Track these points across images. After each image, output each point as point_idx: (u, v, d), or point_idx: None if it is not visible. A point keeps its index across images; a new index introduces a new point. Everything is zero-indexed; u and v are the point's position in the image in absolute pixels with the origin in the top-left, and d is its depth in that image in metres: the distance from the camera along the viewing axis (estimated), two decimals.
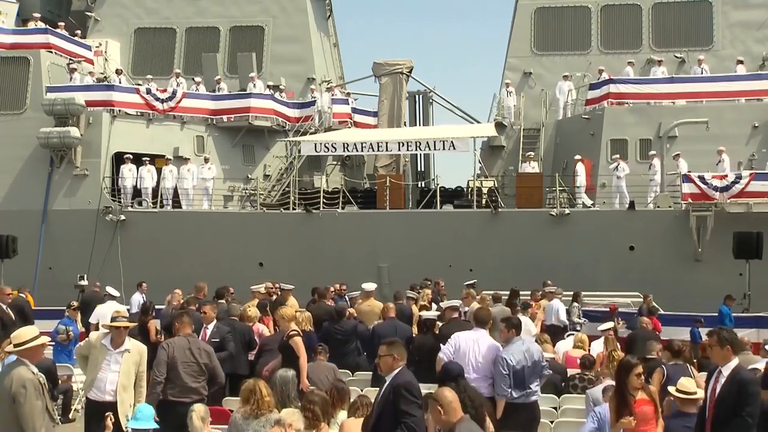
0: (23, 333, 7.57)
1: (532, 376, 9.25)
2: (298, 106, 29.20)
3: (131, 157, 25.81)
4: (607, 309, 18.83)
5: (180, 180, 26.07)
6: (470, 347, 9.61)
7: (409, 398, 7.00)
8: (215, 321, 11.76)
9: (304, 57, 30.18)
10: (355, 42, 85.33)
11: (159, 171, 26.17)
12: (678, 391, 8.11)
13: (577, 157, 24.86)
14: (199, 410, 8.02)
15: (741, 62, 26.49)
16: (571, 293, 18.68)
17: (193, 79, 28.72)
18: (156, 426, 7.54)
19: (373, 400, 7.74)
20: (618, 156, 24.64)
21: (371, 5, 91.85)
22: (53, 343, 14.38)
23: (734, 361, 7.36)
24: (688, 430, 7.72)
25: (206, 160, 26.50)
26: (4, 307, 15.31)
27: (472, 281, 18.87)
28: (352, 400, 8.32)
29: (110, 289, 16.93)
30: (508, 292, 17.55)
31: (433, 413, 6.15)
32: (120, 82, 28.01)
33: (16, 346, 7.46)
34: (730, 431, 7.17)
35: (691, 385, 8.13)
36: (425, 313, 12.94)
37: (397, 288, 17.35)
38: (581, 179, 24.66)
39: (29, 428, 7.17)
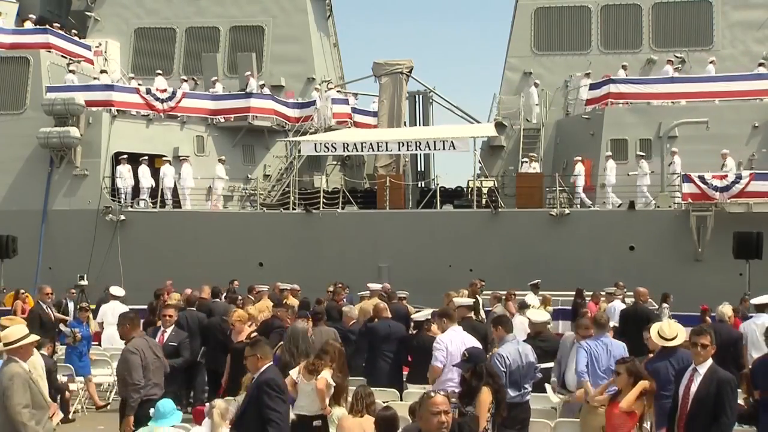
0: (12, 332, 7.58)
1: (526, 377, 9.28)
2: (298, 106, 29.20)
3: (126, 157, 25.81)
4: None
5: (179, 180, 26.05)
6: (458, 348, 9.70)
7: (273, 394, 7.21)
8: (174, 326, 11.62)
9: (304, 57, 30.18)
10: (355, 42, 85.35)
11: (158, 171, 26.17)
12: (659, 335, 8.65)
13: (578, 157, 24.86)
14: (220, 406, 8.21)
15: (762, 64, 26.16)
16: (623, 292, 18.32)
17: (181, 78, 28.87)
18: (179, 415, 7.77)
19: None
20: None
21: (371, 5, 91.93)
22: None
23: (709, 361, 7.53)
24: (671, 367, 8.32)
25: (222, 161, 26.59)
26: (44, 306, 15.13)
27: (536, 281, 18.64)
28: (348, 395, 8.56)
29: (114, 289, 16.82)
30: (504, 292, 17.51)
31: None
32: (99, 80, 27.81)
33: (5, 345, 7.47)
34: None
35: (671, 330, 8.65)
36: (417, 315, 12.96)
37: (397, 288, 17.45)
38: (581, 179, 24.66)
39: (16, 420, 7.20)
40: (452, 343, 9.79)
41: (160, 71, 28.83)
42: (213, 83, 28.62)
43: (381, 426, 6.71)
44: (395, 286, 18.69)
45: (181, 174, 26.08)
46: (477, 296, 17.03)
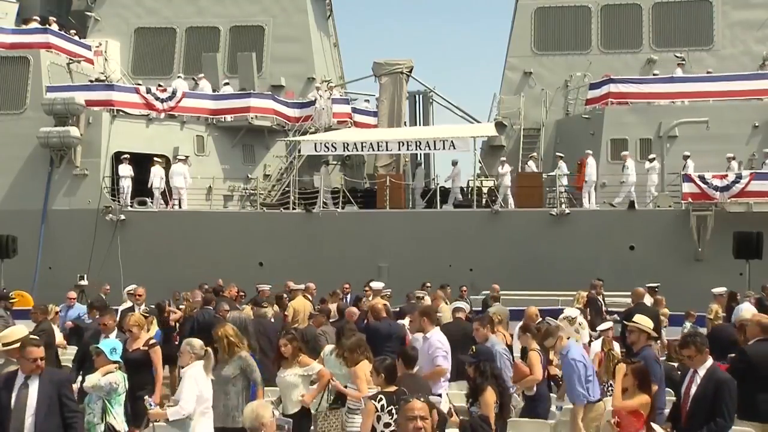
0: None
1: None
2: (298, 106, 29.19)
3: (128, 157, 25.80)
4: None
5: (176, 179, 26.02)
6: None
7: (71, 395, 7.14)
8: (116, 331, 10.70)
9: (304, 57, 30.18)
10: (355, 42, 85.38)
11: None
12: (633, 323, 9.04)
13: (588, 151, 24.82)
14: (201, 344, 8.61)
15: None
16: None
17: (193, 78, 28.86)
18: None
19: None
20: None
21: (371, 5, 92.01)
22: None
23: (709, 361, 7.55)
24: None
25: (326, 164, 26.76)
26: (138, 309, 13.78)
27: (655, 284, 18.00)
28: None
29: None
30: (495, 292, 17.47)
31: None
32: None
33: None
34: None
35: (646, 320, 9.12)
36: None
37: (397, 288, 17.48)
38: (592, 176, 24.52)
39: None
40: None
41: (161, 84, 28.39)
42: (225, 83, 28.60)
43: (386, 375, 7.50)
44: (395, 286, 18.69)
45: (172, 174, 25.98)
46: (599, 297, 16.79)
